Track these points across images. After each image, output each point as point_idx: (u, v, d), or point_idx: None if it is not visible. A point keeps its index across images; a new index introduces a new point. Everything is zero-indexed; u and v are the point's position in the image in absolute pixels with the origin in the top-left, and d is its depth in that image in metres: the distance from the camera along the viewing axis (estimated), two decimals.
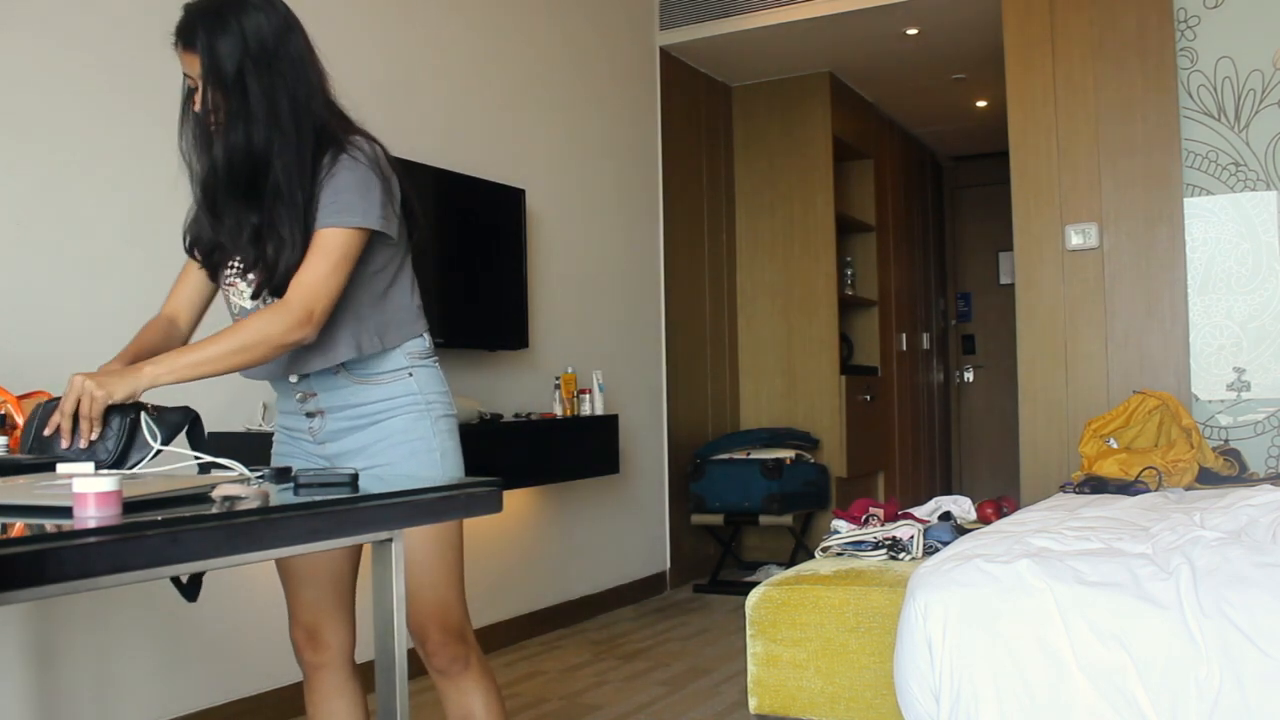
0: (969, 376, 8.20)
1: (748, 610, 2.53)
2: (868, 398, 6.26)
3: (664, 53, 5.49)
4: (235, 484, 1.47)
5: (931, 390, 7.72)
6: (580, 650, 4.21)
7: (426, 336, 1.98)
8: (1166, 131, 4.18)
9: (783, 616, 2.46)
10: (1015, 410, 4.46)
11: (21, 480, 1.45)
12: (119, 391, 1.64)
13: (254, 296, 1.84)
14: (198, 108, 1.77)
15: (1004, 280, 7.94)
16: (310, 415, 1.94)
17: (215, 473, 1.57)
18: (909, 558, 2.65)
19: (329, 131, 1.83)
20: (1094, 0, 4.30)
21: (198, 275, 1.96)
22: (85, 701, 2.81)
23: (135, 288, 2.99)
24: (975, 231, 8.20)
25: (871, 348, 6.62)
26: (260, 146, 1.75)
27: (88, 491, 1.17)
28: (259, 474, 1.62)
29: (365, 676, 2.01)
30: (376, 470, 1.88)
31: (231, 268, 1.87)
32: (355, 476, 1.49)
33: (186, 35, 1.76)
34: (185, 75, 1.79)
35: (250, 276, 1.84)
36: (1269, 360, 4.07)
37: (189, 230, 1.91)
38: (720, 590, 5.34)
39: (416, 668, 2.05)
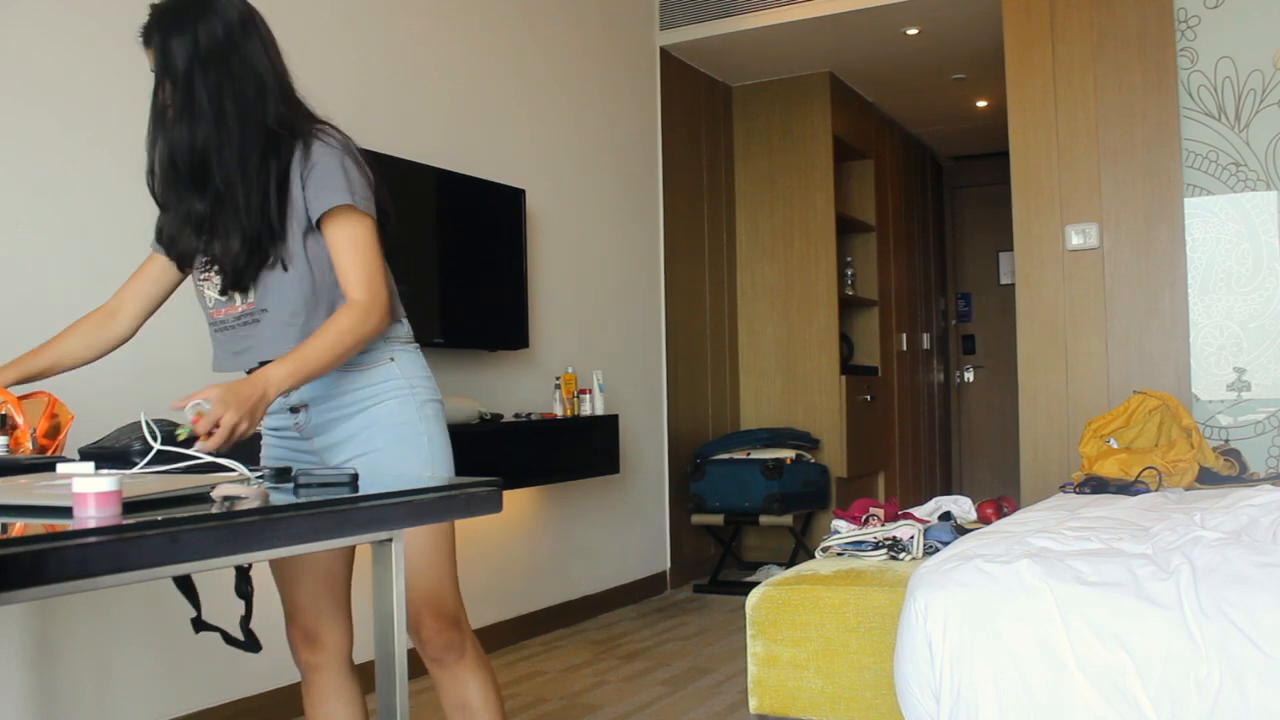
0: (969, 376, 8.20)
1: (748, 610, 2.53)
2: (868, 398, 6.26)
3: (664, 53, 5.49)
4: (235, 484, 1.47)
5: (931, 390, 7.73)
6: (580, 650, 4.21)
7: (405, 322, 1.99)
8: (1166, 131, 4.18)
9: (783, 616, 2.46)
10: (1015, 410, 4.46)
11: (21, 480, 1.45)
12: (271, 391, 1.71)
13: (221, 293, 1.88)
14: (166, 103, 1.81)
15: (1004, 280, 7.94)
16: (294, 410, 1.94)
17: (215, 473, 1.57)
18: (909, 558, 2.65)
19: (290, 126, 1.85)
20: (1094, 0, 4.30)
21: (156, 269, 2.00)
22: (85, 701, 2.81)
23: None
24: (975, 231, 8.20)
25: (871, 348, 6.62)
26: (201, 143, 1.79)
27: (88, 491, 1.17)
28: (259, 474, 1.62)
29: (364, 676, 2.02)
30: (364, 458, 1.89)
31: (203, 263, 1.90)
32: (355, 476, 1.49)
33: (146, 33, 1.82)
34: (152, 70, 1.83)
35: (218, 275, 1.87)
36: (1269, 360, 4.07)
37: (158, 222, 1.94)
38: (720, 590, 5.34)
39: (417, 668, 2.05)
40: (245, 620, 1.75)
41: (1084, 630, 1.88)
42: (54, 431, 2.06)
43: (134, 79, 3.01)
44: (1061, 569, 1.99)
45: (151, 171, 1.86)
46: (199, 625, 1.72)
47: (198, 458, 1.60)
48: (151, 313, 2.06)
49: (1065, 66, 4.36)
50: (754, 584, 2.71)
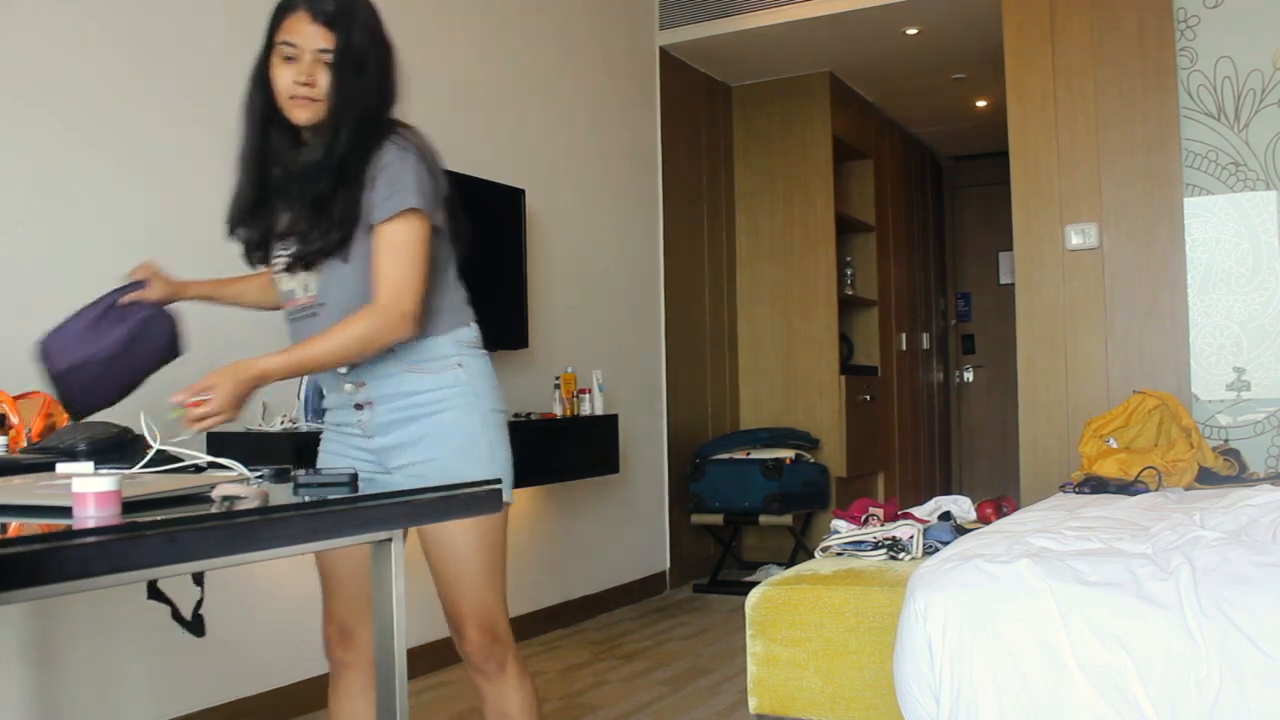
0: (969, 376, 8.20)
1: (748, 610, 2.53)
2: (868, 398, 6.26)
3: (664, 53, 5.49)
4: (235, 484, 1.47)
5: (931, 390, 7.72)
6: (580, 650, 4.21)
7: (475, 327, 2.00)
8: (1166, 131, 4.18)
9: (782, 616, 2.46)
10: (1015, 410, 4.46)
11: (21, 480, 1.45)
12: (251, 371, 1.75)
13: (288, 270, 1.90)
14: (302, 78, 1.82)
15: (1004, 280, 7.94)
16: (359, 407, 1.94)
17: (215, 473, 1.57)
18: (909, 558, 2.65)
19: (387, 122, 1.91)
20: (1094, 0, 4.30)
21: None
22: (85, 701, 2.81)
23: None
24: (975, 231, 8.20)
25: (871, 348, 6.62)
26: (351, 134, 1.83)
27: (87, 491, 1.17)
28: (259, 474, 1.62)
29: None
30: (424, 465, 1.88)
31: (278, 255, 1.93)
32: (355, 476, 1.49)
33: (327, 11, 1.82)
34: (287, 43, 1.83)
35: (288, 253, 1.90)
36: (1269, 360, 4.07)
37: (235, 216, 1.97)
38: (720, 590, 5.34)
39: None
40: (197, 605, 1.75)
41: (1084, 630, 1.88)
42: (49, 431, 2.06)
43: (134, 79, 3.02)
44: (1061, 569, 1.99)
45: (289, 154, 1.89)
46: (152, 593, 1.72)
47: (197, 457, 1.60)
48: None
49: (1065, 66, 4.35)
50: (754, 584, 2.71)
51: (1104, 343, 4.28)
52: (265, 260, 1.96)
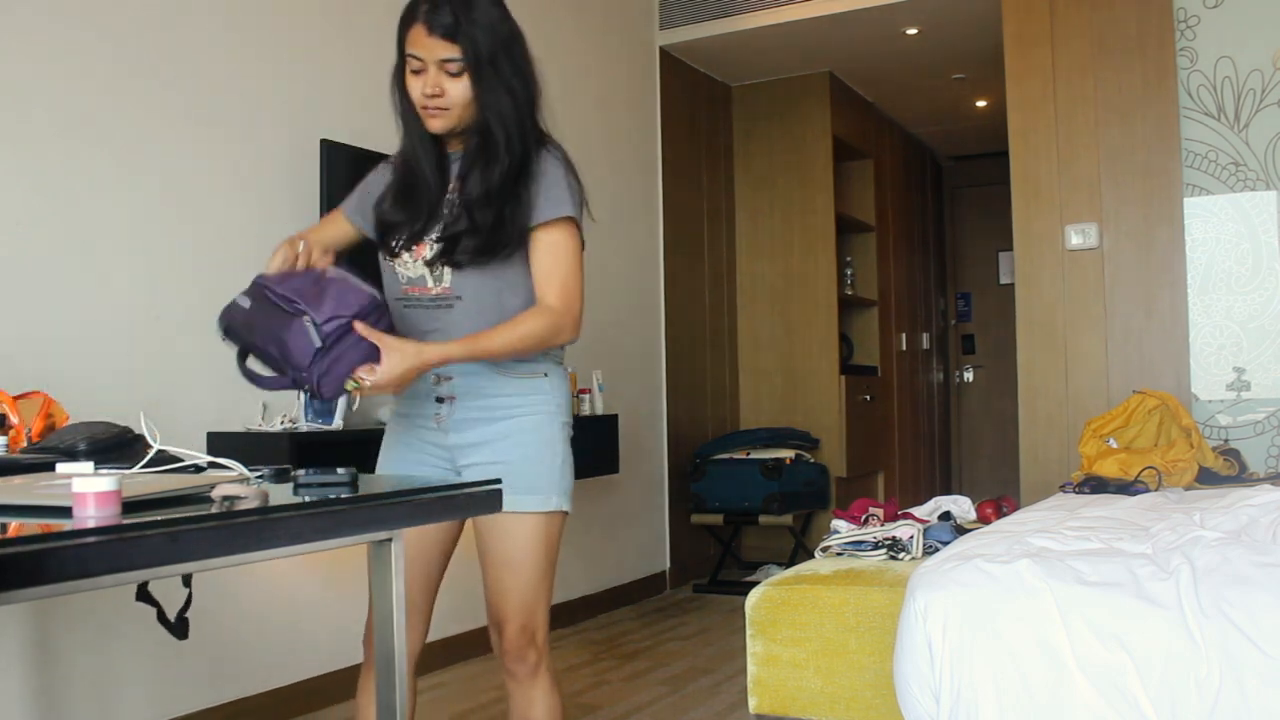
0: (969, 376, 8.20)
1: (748, 610, 2.53)
2: (868, 398, 6.26)
3: (664, 53, 5.49)
4: (235, 484, 1.47)
5: (931, 390, 7.72)
6: (580, 650, 4.21)
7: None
8: (1166, 131, 4.18)
9: (782, 616, 2.46)
10: (1015, 410, 4.46)
11: (21, 480, 1.45)
12: (429, 355, 1.78)
13: (429, 263, 1.91)
14: (429, 90, 1.85)
15: (1004, 280, 7.94)
16: (440, 400, 1.95)
17: (215, 473, 1.57)
18: (909, 558, 2.65)
19: (538, 131, 1.95)
20: (1094, 0, 4.30)
21: (339, 230, 2.04)
22: (85, 701, 2.81)
23: (134, 290, 3.00)
24: (975, 231, 8.20)
25: (871, 348, 6.62)
26: (520, 136, 1.89)
27: (87, 491, 1.17)
28: (258, 474, 1.62)
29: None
30: (495, 466, 1.89)
31: (406, 239, 1.94)
32: (355, 476, 1.49)
33: (445, 24, 1.83)
34: (413, 56, 1.85)
35: (432, 244, 1.91)
36: (1269, 360, 4.07)
37: (381, 210, 1.99)
38: (720, 590, 5.33)
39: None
40: (183, 608, 1.75)
41: (1084, 630, 1.88)
42: (49, 431, 2.06)
43: (134, 79, 3.02)
44: (1061, 569, 1.99)
45: (470, 158, 1.91)
46: (140, 595, 1.72)
47: (197, 457, 1.60)
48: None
49: (1065, 66, 4.35)
50: (754, 584, 2.71)
51: (1104, 343, 4.28)
52: (405, 245, 1.96)
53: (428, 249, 1.91)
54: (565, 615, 4.63)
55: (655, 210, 5.45)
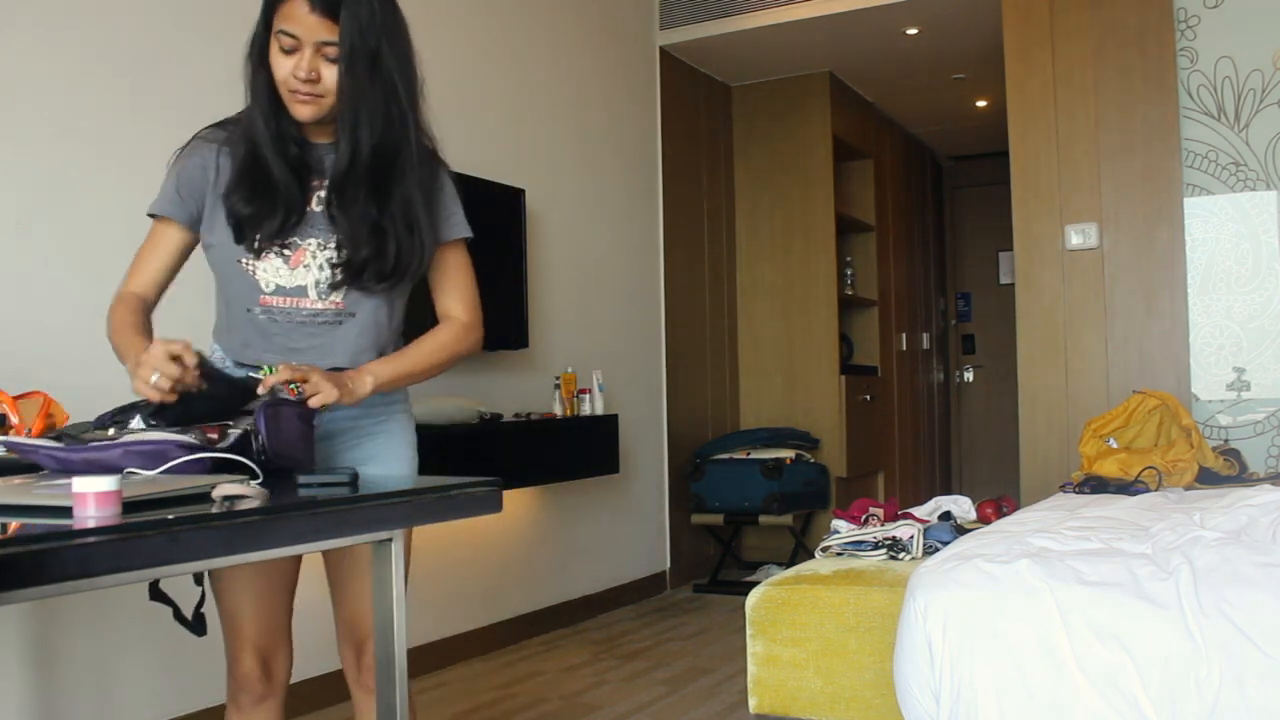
0: (969, 376, 8.20)
1: (748, 610, 2.53)
2: (868, 398, 6.26)
3: (664, 53, 5.49)
4: (235, 484, 1.46)
5: (931, 390, 7.72)
6: (580, 650, 4.21)
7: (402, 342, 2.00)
8: (1166, 131, 4.18)
9: (782, 616, 2.46)
10: (1015, 410, 4.46)
11: (21, 480, 1.45)
12: (365, 391, 1.72)
13: (332, 287, 1.76)
14: (302, 73, 1.67)
15: (1004, 280, 7.94)
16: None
17: (216, 473, 1.57)
18: (909, 558, 2.65)
19: (428, 138, 1.87)
20: (1094, 0, 4.30)
21: (172, 242, 1.82)
22: (85, 701, 2.81)
23: None
24: (975, 231, 8.20)
25: (871, 348, 6.62)
26: (394, 138, 1.75)
27: (87, 491, 1.17)
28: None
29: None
30: (364, 461, 1.88)
31: (256, 239, 1.74)
32: (355, 476, 1.49)
33: (328, 7, 1.65)
34: (285, 33, 1.67)
35: (327, 262, 1.76)
36: (1269, 360, 4.07)
37: (231, 201, 1.75)
38: (720, 590, 5.33)
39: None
40: (198, 605, 1.74)
41: (1084, 630, 1.88)
42: (49, 431, 2.05)
43: (134, 80, 3.02)
44: (1061, 569, 1.99)
45: (339, 166, 1.75)
46: (154, 594, 1.66)
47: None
48: (164, 294, 1.92)
49: (1065, 66, 4.35)
50: (754, 584, 2.71)
51: (1104, 343, 4.28)
52: (267, 244, 1.76)
53: (308, 257, 1.75)
54: (565, 615, 4.63)
55: (655, 210, 5.45)
